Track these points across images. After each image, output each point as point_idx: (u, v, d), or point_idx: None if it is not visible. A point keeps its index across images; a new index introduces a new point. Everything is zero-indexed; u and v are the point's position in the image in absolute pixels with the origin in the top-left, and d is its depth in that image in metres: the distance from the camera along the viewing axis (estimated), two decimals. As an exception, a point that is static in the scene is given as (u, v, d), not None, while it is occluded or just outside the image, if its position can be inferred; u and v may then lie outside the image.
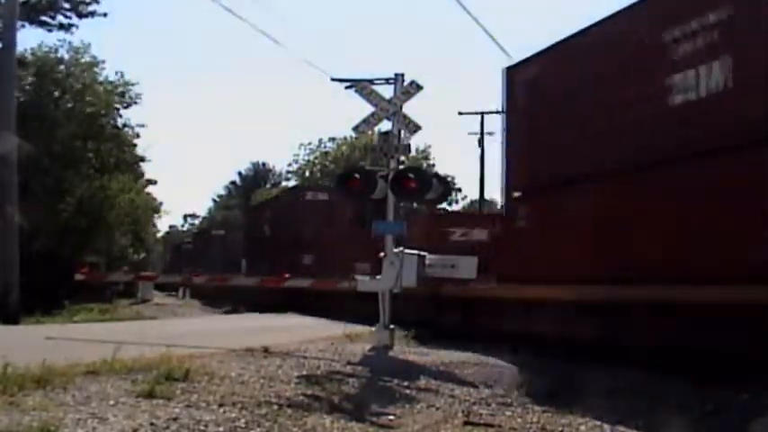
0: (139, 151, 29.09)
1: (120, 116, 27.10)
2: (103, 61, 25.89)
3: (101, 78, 25.92)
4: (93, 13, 25.16)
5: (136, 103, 27.00)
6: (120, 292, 29.62)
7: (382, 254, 8.47)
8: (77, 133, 24.16)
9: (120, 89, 26.45)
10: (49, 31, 25.00)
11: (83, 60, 25.31)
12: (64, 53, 25.05)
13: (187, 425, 4.23)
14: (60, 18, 24.91)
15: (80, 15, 25.11)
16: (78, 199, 23.98)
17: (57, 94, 24.30)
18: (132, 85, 26.76)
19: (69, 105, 24.66)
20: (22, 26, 23.47)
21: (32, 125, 20.01)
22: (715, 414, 5.16)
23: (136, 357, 6.07)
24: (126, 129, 27.39)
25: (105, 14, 25.44)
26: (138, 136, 27.96)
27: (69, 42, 25.19)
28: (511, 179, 9.62)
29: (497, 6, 56.18)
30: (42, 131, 21.38)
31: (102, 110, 25.41)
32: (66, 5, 24.92)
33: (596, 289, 7.43)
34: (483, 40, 59.49)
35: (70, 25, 25.11)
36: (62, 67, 24.66)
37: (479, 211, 28.57)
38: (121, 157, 27.24)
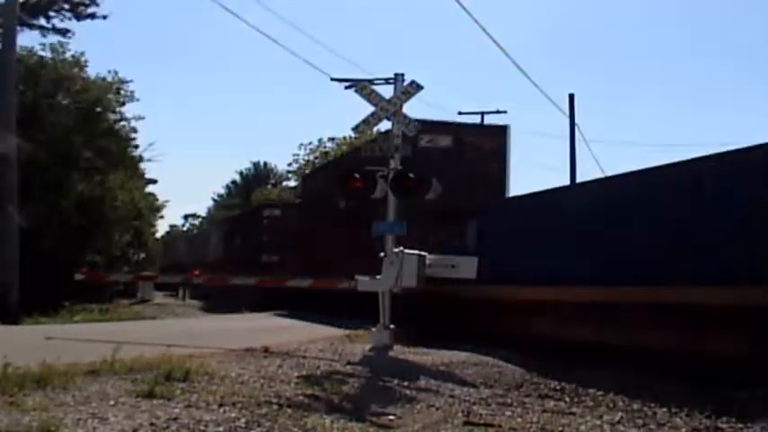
0: (139, 149, 29.16)
1: (118, 113, 27.14)
2: (84, 55, 25.81)
3: (91, 75, 25.97)
4: (93, 15, 25.07)
5: (132, 99, 27.03)
6: (120, 292, 29.57)
7: (382, 254, 8.47)
8: (74, 130, 24.13)
9: (116, 86, 26.47)
10: (44, 35, 24.97)
11: (67, 59, 25.27)
12: (47, 53, 25.03)
13: (187, 425, 4.23)
14: (57, 21, 24.92)
15: (78, 17, 25.06)
16: (78, 196, 23.95)
17: (51, 91, 24.25)
18: (126, 82, 26.79)
19: (64, 102, 24.63)
20: (23, 30, 23.54)
21: (29, 124, 19.98)
22: (715, 414, 5.15)
23: (136, 357, 6.07)
24: (122, 123, 27.40)
25: (105, 17, 25.27)
26: (135, 131, 27.99)
27: (51, 44, 25.16)
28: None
29: (497, 6, 56.12)
30: (39, 130, 21.37)
31: (96, 106, 25.39)
32: (66, 6, 24.88)
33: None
34: (483, 40, 59.37)
35: (67, 30, 25.11)
36: (50, 67, 24.58)
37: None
38: (120, 154, 27.22)
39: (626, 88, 68.93)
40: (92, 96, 25.08)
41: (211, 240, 34.10)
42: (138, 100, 27.37)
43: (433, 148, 12.76)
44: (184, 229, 59.13)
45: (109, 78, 26.52)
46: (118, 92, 26.66)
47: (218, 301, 24.86)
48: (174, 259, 42.19)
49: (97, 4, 24.96)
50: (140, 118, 27.65)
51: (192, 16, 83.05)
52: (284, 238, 21.85)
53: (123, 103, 26.96)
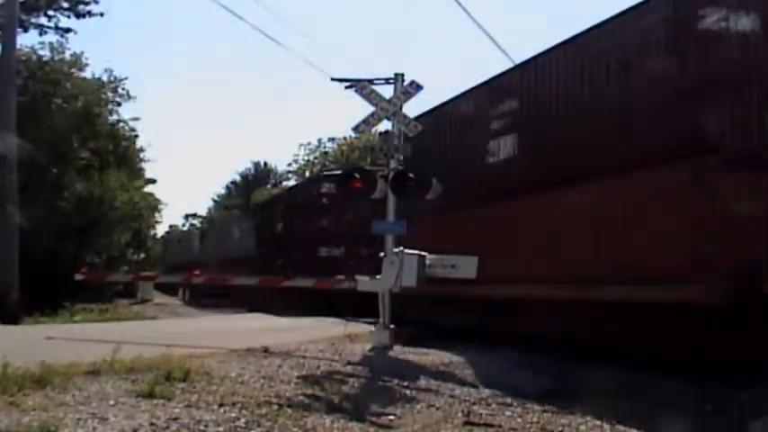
0: (138, 149, 29.18)
1: (117, 113, 27.20)
2: (85, 55, 25.84)
3: (87, 74, 26.03)
4: (89, 13, 25.16)
5: (130, 97, 27.06)
6: (120, 292, 29.57)
7: (382, 254, 8.46)
8: (73, 130, 24.16)
9: (113, 84, 26.52)
10: (40, 34, 24.98)
11: (66, 58, 25.32)
12: (46, 52, 25.08)
13: (187, 425, 4.23)
14: (56, 20, 24.95)
15: (77, 15, 25.11)
16: (77, 197, 23.98)
17: (49, 91, 24.27)
18: (122, 80, 26.81)
19: (62, 102, 24.65)
20: (24, 31, 23.58)
21: (28, 124, 20.00)
22: (715, 414, 5.15)
23: (136, 357, 6.07)
24: (121, 124, 27.43)
25: (102, 14, 25.41)
26: (133, 130, 28.01)
27: (50, 43, 25.21)
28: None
29: (497, 6, 56.14)
30: (38, 130, 21.39)
31: (94, 105, 25.43)
32: (65, 4, 24.93)
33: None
34: (483, 41, 59.43)
35: (68, 29, 25.13)
36: (48, 67, 24.62)
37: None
38: (120, 154, 27.25)
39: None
40: (88, 96, 25.10)
41: (234, 234, 28.26)
42: (134, 99, 27.42)
43: (723, 34, 6.73)
44: (185, 228, 58.97)
45: (104, 77, 26.58)
46: (114, 90, 26.69)
47: (219, 301, 24.84)
48: (183, 259, 38.03)
49: (96, 2, 25.05)
50: (136, 119, 27.67)
51: (192, 16, 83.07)
52: (356, 222, 15.28)
53: (119, 104, 27.01)
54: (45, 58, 24.71)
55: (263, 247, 22.59)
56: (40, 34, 24.98)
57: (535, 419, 5.06)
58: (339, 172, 12.81)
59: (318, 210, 17.69)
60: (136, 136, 28.44)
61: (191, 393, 5.09)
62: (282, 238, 20.80)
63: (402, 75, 8.75)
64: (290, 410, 4.85)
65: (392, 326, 8.43)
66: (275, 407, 4.91)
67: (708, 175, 6.38)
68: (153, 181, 32.99)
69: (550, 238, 8.10)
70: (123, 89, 26.79)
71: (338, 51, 54.67)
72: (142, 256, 34.77)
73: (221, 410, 4.67)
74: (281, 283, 12.31)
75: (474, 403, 5.59)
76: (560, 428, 4.83)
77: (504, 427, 4.82)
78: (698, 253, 6.27)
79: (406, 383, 6.25)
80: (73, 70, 25.25)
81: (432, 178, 8.55)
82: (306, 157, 38.50)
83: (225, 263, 26.40)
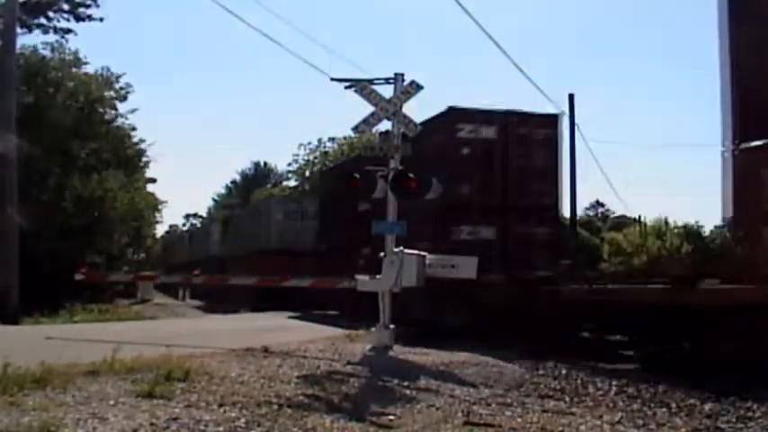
0: (139, 149, 29.16)
1: (116, 110, 27.21)
2: (84, 54, 25.90)
3: (88, 73, 26.01)
4: (89, 17, 25.17)
5: (130, 93, 27.07)
6: (119, 292, 29.55)
7: (382, 254, 8.45)
8: (73, 129, 24.18)
9: (112, 82, 26.53)
10: (45, 32, 24.99)
11: (66, 58, 25.33)
12: (47, 52, 25.10)
13: (187, 425, 4.23)
14: (56, 22, 24.97)
15: (78, 18, 25.14)
16: (77, 196, 23.98)
17: (50, 91, 24.27)
18: (119, 76, 26.84)
19: (62, 102, 24.65)
20: (25, 32, 23.59)
21: (29, 124, 20.00)
22: (715, 414, 5.15)
23: (136, 357, 6.08)
24: (121, 121, 27.49)
25: (101, 19, 25.43)
26: (134, 129, 28.03)
27: (51, 44, 25.23)
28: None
29: (498, 5, 56.12)
30: (39, 129, 21.39)
31: (95, 104, 25.45)
32: (66, 6, 24.94)
33: None
34: (483, 40, 59.38)
35: (69, 30, 25.15)
36: (48, 66, 24.63)
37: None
38: (121, 154, 27.26)
39: (624, 86, 68.92)
40: (90, 94, 25.11)
41: (272, 219, 22.51)
42: (134, 92, 27.46)
43: None
44: (185, 228, 58.88)
45: (100, 72, 26.56)
46: (114, 89, 26.70)
47: (218, 301, 24.81)
48: (187, 258, 35.32)
49: (98, 5, 25.06)
50: (133, 110, 27.71)
51: (192, 17, 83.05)
52: (527, 175, 10.80)
53: (118, 99, 26.99)
54: (46, 59, 24.72)
55: (335, 231, 15.95)
56: (44, 33, 25.01)
57: (535, 419, 5.06)
58: (501, 109, 9.25)
59: (454, 166, 10.45)
60: (141, 141, 28.51)
61: (191, 393, 5.09)
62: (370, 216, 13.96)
63: (402, 75, 8.75)
64: (290, 410, 4.85)
65: (392, 325, 8.41)
66: (275, 407, 4.92)
67: None
68: (153, 180, 33.01)
69: None
70: (123, 85, 26.82)
71: (338, 51, 54.52)
72: (142, 255, 34.72)
73: (221, 410, 4.67)
74: (282, 282, 12.00)
75: (474, 403, 5.59)
76: (560, 428, 4.82)
77: (504, 427, 4.82)
78: None
79: (406, 383, 6.24)
80: (74, 69, 25.28)
81: (432, 178, 8.52)
82: (306, 157, 38.44)
83: (254, 258, 21.22)
